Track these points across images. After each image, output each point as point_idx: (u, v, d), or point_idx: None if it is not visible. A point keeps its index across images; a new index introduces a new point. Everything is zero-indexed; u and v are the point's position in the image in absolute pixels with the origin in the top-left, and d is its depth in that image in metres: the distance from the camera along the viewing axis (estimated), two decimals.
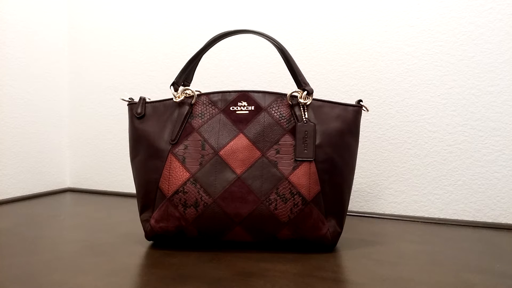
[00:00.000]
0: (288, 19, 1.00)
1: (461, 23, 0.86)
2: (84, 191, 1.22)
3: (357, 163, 0.95)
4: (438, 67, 0.88)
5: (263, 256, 0.58)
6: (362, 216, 0.91)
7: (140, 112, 0.63)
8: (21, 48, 1.11)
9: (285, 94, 0.63)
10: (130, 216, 0.87)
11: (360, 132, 0.94)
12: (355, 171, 0.95)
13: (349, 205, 0.95)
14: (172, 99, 0.64)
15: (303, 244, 0.62)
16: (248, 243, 0.63)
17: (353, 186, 0.95)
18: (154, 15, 1.14)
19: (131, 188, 1.18)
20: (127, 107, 0.66)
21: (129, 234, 0.71)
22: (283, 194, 0.58)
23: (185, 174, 0.59)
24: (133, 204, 1.01)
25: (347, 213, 0.93)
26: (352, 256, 0.60)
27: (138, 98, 0.63)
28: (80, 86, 1.25)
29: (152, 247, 0.63)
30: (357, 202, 0.95)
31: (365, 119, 0.94)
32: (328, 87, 0.97)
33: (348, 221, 0.85)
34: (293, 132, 0.61)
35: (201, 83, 1.08)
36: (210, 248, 0.61)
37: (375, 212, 0.93)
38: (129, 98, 0.66)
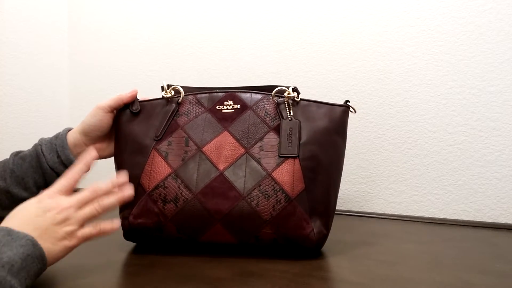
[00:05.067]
0: (288, 19, 1.00)
1: (461, 23, 0.86)
2: None
3: (357, 163, 0.95)
4: (438, 67, 0.88)
5: (263, 256, 0.58)
6: (362, 216, 0.91)
7: (136, 108, 0.64)
8: (21, 48, 1.11)
9: (271, 93, 0.62)
10: None
11: (360, 132, 0.94)
12: (355, 171, 0.95)
13: (349, 205, 0.95)
14: (159, 98, 0.65)
15: (286, 249, 0.59)
16: None
17: (353, 186, 0.95)
18: (154, 15, 1.14)
19: None
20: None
21: None
22: (266, 191, 0.56)
23: (166, 169, 0.58)
24: None
25: (348, 213, 0.93)
26: (352, 256, 0.60)
27: None
28: (80, 86, 1.25)
29: (152, 247, 0.63)
30: (357, 202, 0.95)
31: (365, 119, 0.94)
32: (328, 87, 0.97)
33: (348, 221, 0.85)
34: (277, 129, 0.60)
35: (201, 83, 1.08)
36: (210, 249, 0.61)
37: (375, 212, 0.93)
38: None
